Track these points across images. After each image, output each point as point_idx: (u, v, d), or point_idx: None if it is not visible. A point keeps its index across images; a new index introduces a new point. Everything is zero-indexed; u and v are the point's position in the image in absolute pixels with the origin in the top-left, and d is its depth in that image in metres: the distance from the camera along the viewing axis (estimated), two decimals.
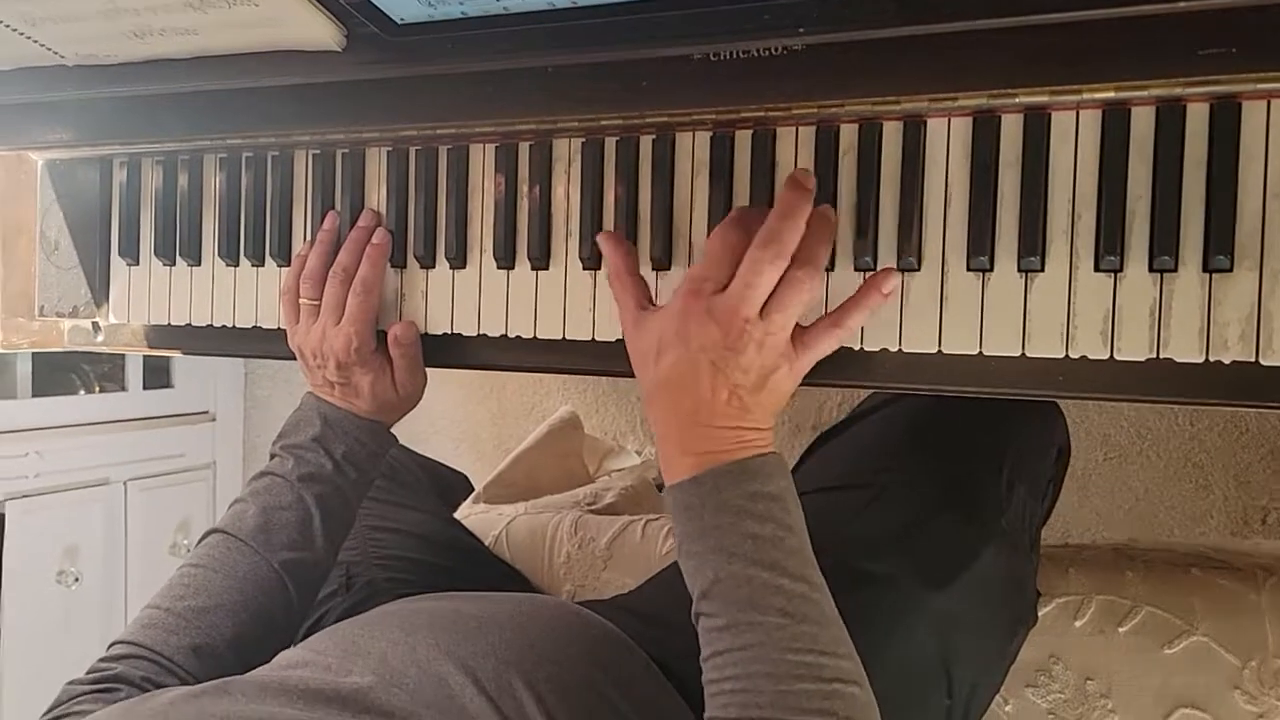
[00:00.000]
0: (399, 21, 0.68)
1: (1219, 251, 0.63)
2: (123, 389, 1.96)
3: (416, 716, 0.63)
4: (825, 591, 0.65)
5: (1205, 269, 0.64)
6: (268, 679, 0.66)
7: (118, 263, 1.00)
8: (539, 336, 0.82)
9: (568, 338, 0.81)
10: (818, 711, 0.60)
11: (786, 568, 0.63)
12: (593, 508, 1.23)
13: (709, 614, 0.64)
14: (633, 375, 0.80)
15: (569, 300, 0.81)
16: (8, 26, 0.75)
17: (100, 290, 1.01)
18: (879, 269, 0.71)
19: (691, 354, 0.67)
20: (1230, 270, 0.63)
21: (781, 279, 0.67)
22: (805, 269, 0.67)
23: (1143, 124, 0.65)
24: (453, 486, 1.29)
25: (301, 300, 0.86)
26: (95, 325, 1.03)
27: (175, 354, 1.04)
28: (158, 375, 2.03)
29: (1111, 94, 0.64)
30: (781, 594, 0.62)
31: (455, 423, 1.99)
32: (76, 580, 1.79)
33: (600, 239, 0.76)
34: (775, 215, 0.67)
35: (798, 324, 0.69)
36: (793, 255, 0.67)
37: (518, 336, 0.83)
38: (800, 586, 0.63)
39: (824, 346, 0.70)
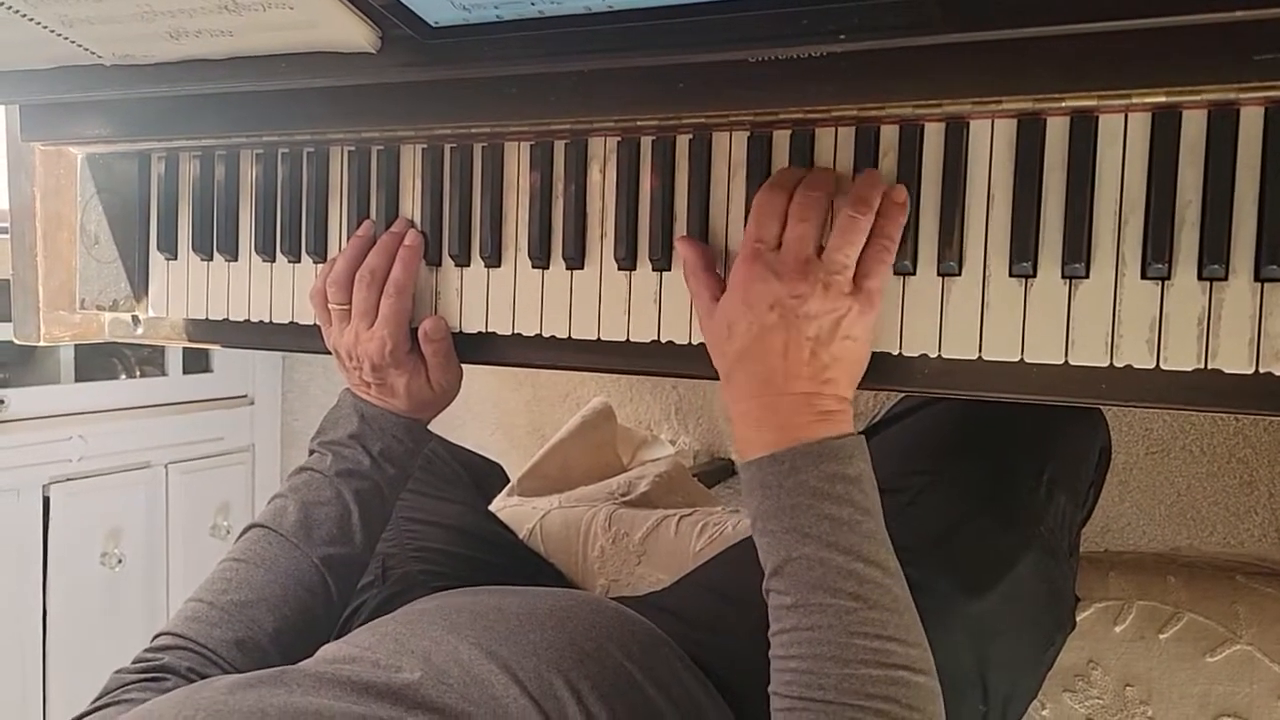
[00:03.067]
0: (433, 24, 0.68)
1: (1272, 260, 0.61)
2: (163, 374, 1.99)
3: (466, 714, 0.63)
4: (899, 577, 0.64)
5: (1257, 278, 0.62)
6: (321, 672, 0.66)
7: (156, 257, 1.01)
8: (574, 336, 0.82)
9: (603, 338, 0.81)
10: (881, 698, 0.60)
11: (861, 552, 0.63)
12: (626, 498, 1.23)
13: (779, 591, 0.64)
14: (666, 374, 0.80)
15: (604, 301, 0.81)
16: (45, 28, 0.75)
17: (139, 284, 1.02)
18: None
19: (759, 316, 0.67)
20: None
21: (834, 220, 0.67)
22: (856, 206, 0.68)
23: (1194, 128, 0.63)
24: (488, 477, 1.30)
25: (330, 304, 0.86)
26: (135, 318, 1.04)
27: (214, 347, 1.05)
28: (197, 360, 2.06)
29: (1162, 98, 0.62)
30: (854, 578, 0.62)
31: (490, 409, 2.00)
32: (120, 562, 1.82)
33: (678, 242, 0.76)
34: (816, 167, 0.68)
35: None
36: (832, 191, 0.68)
37: (552, 336, 0.83)
38: (874, 571, 0.63)
39: (880, 269, 0.68)
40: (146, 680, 0.74)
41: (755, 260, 0.68)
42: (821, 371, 0.66)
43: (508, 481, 1.30)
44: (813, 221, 0.68)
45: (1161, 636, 0.86)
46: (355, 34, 0.70)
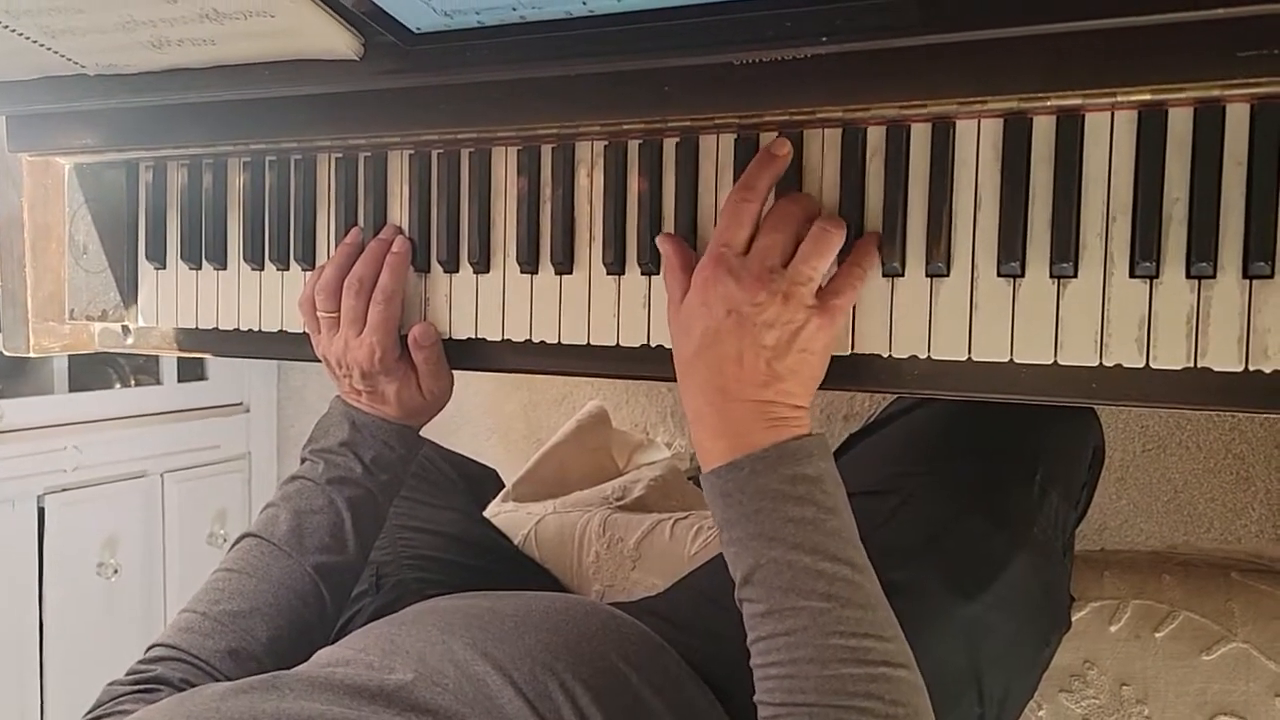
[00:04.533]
0: (416, 30, 0.68)
1: (1259, 257, 0.61)
2: (158, 382, 1.98)
3: (460, 715, 0.63)
4: (870, 574, 0.64)
5: (1245, 275, 0.62)
6: (314, 676, 0.66)
7: (145, 266, 1.01)
8: (563, 341, 0.82)
9: (592, 343, 0.81)
10: (864, 695, 0.59)
11: (828, 551, 0.62)
12: (621, 502, 1.22)
13: (751, 599, 0.64)
14: (657, 378, 0.80)
15: (593, 306, 0.80)
16: (28, 38, 0.75)
17: (129, 293, 1.02)
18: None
19: (715, 319, 0.66)
20: (1271, 276, 0.61)
21: (804, 235, 0.67)
22: (831, 221, 0.68)
23: (1180, 125, 0.63)
24: (483, 483, 1.29)
25: (318, 313, 0.86)
26: (125, 328, 1.04)
27: (204, 356, 1.04)
28: (192, 368, 2.05)
29: (1148, 96, 0.62)
30: (823, 578, 0.62)
31: (486, 414, 2.00)
32: (116, 572, 1.82)
33: (659, 239, 0.75)
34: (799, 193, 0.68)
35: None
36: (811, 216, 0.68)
37: (542, 341, 0.82)
38: (843, 570, 0.62)
39: (849, 291, 0.68)
40: (139, 692, 0.74)
41: (718, 263, 0.67)
42: (776, 381, 0.66)
43: (503, 487, 1.29)
44: (783, 233, 0.67)
45: (1157, 635, 0.86)
46: (337, 41, 0.70)
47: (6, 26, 0.73)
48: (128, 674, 0.77)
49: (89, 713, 0.72)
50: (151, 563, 1.91)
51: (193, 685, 0.75)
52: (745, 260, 0.67)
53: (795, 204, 0.69)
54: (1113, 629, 0.87)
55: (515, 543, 1.14)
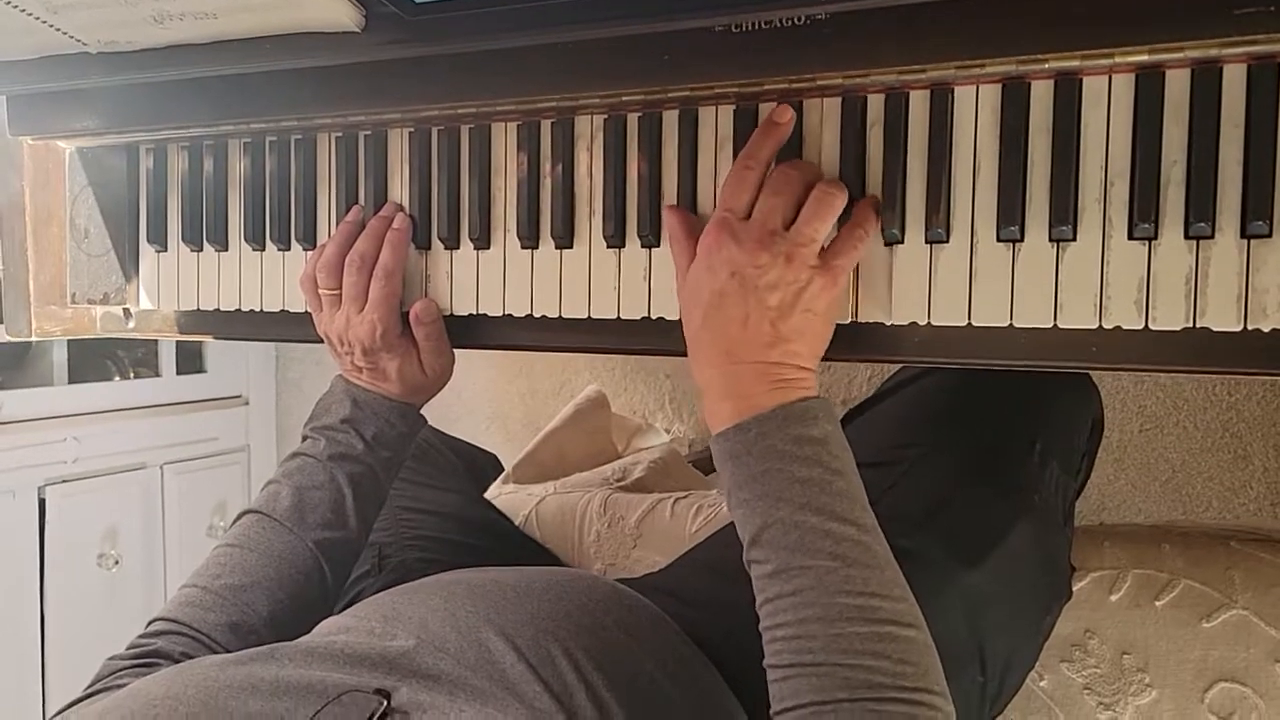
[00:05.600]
0: (417, 0, 0.68)
1: (1257, 217, 0.61)
2: (157, 374, 1.98)
3: (461, 679, 0.63)
4: (877, 534, 0.64)
5: (1243, 235, 0.62)
6: (313, 645, 0.66)
7: (146, 249, 1.01)
8: (564, 316, 0.82)
9: (593, 316, 0.81)
10: (871, 654, 0.59)
11: (835, 511, 0.63)
12: (621, 484, 1.23)
13: (759, 560, 0.64)
14: (658, 352, 0.80)
15: (594, 279, 0.81)
16: (29, 14, 0.75)
17: (131, 276, 1.02)
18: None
19: (719, 283, 0.67)
20: (1269, 236, 0.62)
21: (805, 198, 0.68)
22: (832, 184, 0.68)
23: (1178, 87, 0.63)
24: (483, 467, 1.30)
25: (320, 290, 0.86)
26: (126, 311, 1.04)
27: (206, 339, 1.05)
28: (191, 360, 2.05)
29: (1145, 57, 0.62)
30: (830, 538, 0.62)
31: (486, 402, 2.00)
32: (117, 563, 1.82)
33: (664, 210, 0.76)
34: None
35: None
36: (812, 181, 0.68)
37: (543, 316, 0.83)
38: (849, 530, 0.62)
39: (851, 252, 0.69)
40: (139, 665, 0.74)
41: (721, 228, 0.68)
42: (781, 343, 0.66)
43: (503, 471, 1.30)
44: (785, 196, 0.68)
45: (1158, 604, 0.86)
46: (339, 12, 0.70)
47: (9, 3, 0.73)
48: (128, 648, 0.77)
49: (89, 686, 0.73)
50: (152, 554, 1.91)
51: (192, 658, 0.75)
52: (747, 224, 0.67)
53: (795, 169, 0.69)
54: (1113, 598, 0.88)
55: (516, 523, 1.14)
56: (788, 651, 0.61)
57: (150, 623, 0.79)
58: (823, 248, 0.68)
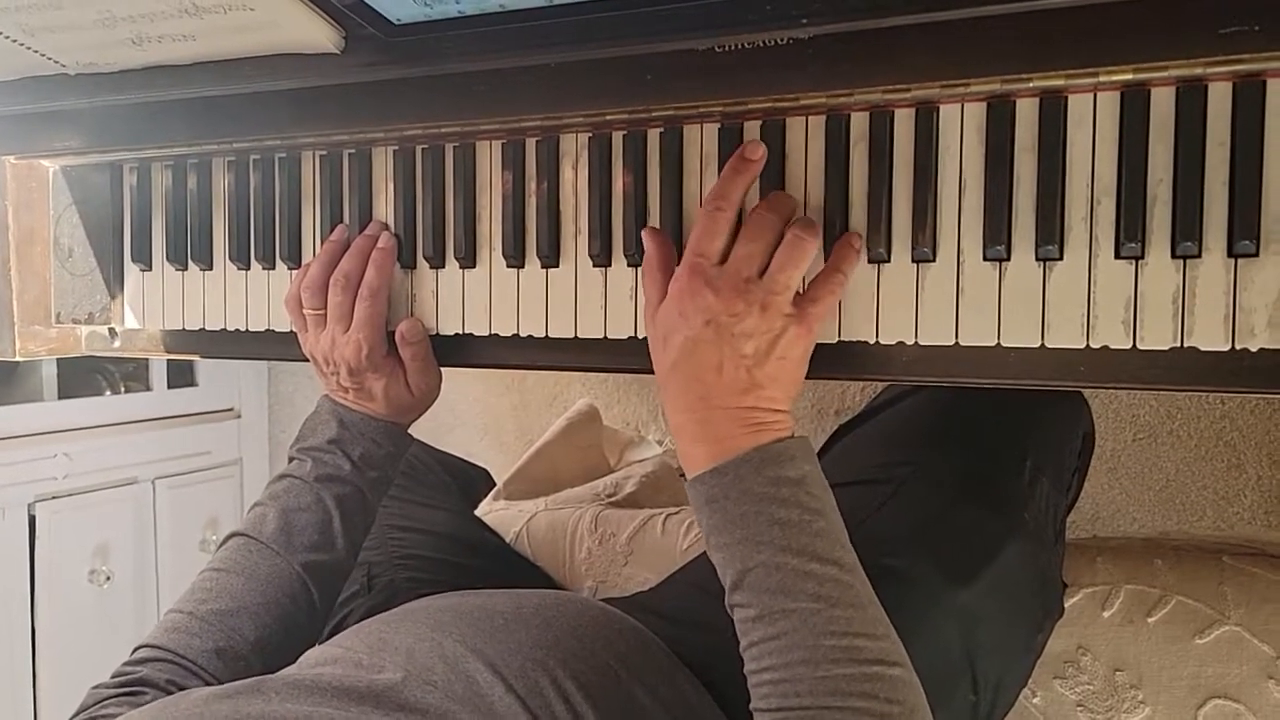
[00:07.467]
0: (396, 22, 0.67)
1: (1244, 236, 0.61)
2: (148, 389, 1.98)
3: (450, 713, 0.62)
4: (859, 573, 0.64)
5: (1230, 254, 0.62)
6: (300, 678, 0.66)
7: (131, 268, 1.00)
8: (551, 335, 0.81)
9: (580, 336, 0.80)
10: (858, 694, 0.59)
11: (815, 551, 0.62)
12: (613, 499, 1.22)
13: (742, 605, 0.64)
14: (645, 370, 0.79)
15: (580, 299, 0.80)
16: (6, 37, 0.74)
17: (115, 295, 1.02)
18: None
19: (693, 330, 0.66)
20: (1256, 255, 0.61)
21: (782, 240, 0.67)
22: (805, 229, 0.67)
23: (1163, 105, 0.63)
24: (474, 482, 1.29)
25: (305, 310, 0.85)
26: (112, 331, 1.03)
27: (192, 357, 1.04)
28: (182, 374, 2.05)
29: (1130, 75, 0.62)
30: (812, 579, 0.61)
31: (477, 415, 1.99)
32: (108, 579, 1.81)
33: (644, 233, 0.75)
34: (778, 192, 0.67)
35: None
36: (790, 218, 0.68)
37: (530, 336, 0.82)
38: (830, 570, 0.62)
39: (828, 298, 0.68)
40: (124, 695, 0.73)
41: (695, 274, 0.67)
42: (756, 388, 0.66)
43: (494, 486, 1.29)
44: (760, 243, 0.67)
45: (1150, 620, 0.86)
46: (318, 34, 0.70)
47: None
48: (113, 676, 0.76)
49: (74, 716, 0.72)
50: (144, 569, 1.90)
51: (179, 686, 0.75)
52: (722, 270, 0.67)
53: (772, 210, 0.69)
54: (1106, 614, 0.87)
55: (507, 540, 1.13)
56: (775, 695, 0.61)
57: (135, 650, 0.78)
58: (799, 291, 0.68)
